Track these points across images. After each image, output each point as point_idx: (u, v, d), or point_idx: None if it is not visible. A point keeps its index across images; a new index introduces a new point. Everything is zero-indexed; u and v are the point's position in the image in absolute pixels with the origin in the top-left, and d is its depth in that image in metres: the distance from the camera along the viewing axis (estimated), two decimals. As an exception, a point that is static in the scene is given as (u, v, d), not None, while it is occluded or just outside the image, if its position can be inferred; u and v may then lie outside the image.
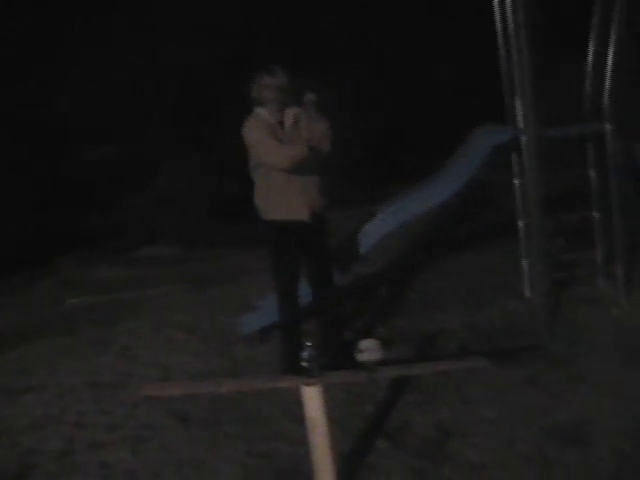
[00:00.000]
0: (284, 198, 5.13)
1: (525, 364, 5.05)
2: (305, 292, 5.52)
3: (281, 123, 5.16)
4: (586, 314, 5.76)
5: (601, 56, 5.65)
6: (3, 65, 11.87)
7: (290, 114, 5.16)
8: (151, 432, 4.86)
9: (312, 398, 3.69)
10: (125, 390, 5.65)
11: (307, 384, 3.67)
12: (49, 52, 12.09)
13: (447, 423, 4.40)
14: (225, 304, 7.52)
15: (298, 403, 3.94)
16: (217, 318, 7.08)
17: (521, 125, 5.59)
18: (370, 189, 12.05)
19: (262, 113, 5.16)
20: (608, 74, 5.59)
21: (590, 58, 5.74)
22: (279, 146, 5.04)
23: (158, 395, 3.82)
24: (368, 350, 5.50)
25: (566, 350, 5.22)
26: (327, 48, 12.89)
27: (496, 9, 5.83)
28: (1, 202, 11.77)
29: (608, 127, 5.67)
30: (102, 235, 12.42)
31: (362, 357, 5.42)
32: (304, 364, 3.68)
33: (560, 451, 3.95)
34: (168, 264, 10.62)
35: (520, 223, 6.22)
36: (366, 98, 13.26)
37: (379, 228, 5.81)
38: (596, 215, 6.04)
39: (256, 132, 5.10)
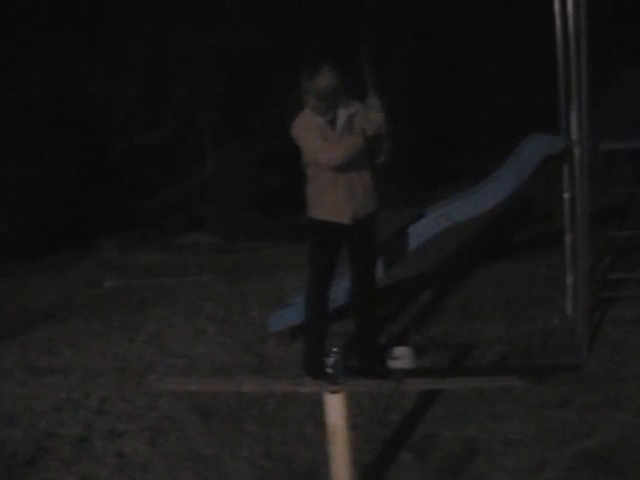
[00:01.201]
0: (330, 200, 4.94)
1: (561, 384, 4.85)
2: (343, 291, 5.40)
3: (332, 122, 4.90)
4: (630, 336, 5.54)
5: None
6: (51, 46, 11.91)
7: (343, 114, 4.91)
8: (171, 425, 4.78)
9: (334, 405, 3.54)
10: (152, 378, 5.57)
11: (330, 391, 3.52)
12: (97, 36, 12.12)
13: (475, 440, 4.23)
14: (259, 298, 7.44)
15: (322, 406, 3.81)
16: (250, 312, 6.99)
17: (574, 136, 5.38)
18: (415, 191, 11.89)
19: (311, 113, 4.93)
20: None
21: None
22: (328, 146, 4.82)
23: (178, 389, 3.68)
24: (401, 357, 5.38)
25: (605, 373, 5.00)
26: (377, 44, 12.71)
27: (557, 13, 5.62)
28: (47, 182, 11.80)
29: (666, 143, 5.46)
30: (145, 220, 12.39)
31: (394, 364, 5.30)
32: (328, 370, 3.54)
33: (591, 480, 3.76)
34: (208, 253, 10.56)
35: (567, 237, 6.01)
36: (415, 98, 13.07)
37: (422, 232, 5.65)
38: (647, 234, 5.82)
39: (304, 133, 4.89)
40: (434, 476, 3.91)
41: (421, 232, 5.61)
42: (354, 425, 4.13)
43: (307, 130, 4.89)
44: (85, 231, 11.48)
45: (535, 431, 4.28)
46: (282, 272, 8.44)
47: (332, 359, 3.51)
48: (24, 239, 11.10)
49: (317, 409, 4.49)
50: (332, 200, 4.94)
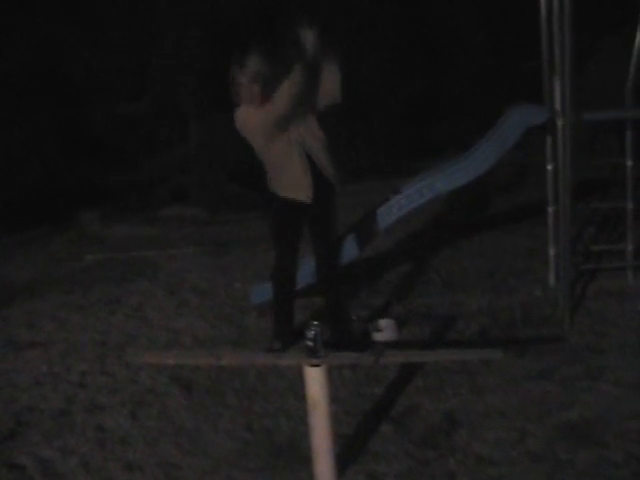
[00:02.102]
0: (288, 176, 4.83)
1: (543, 356, 4.85)
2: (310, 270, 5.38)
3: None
4: (612, 308, 5.54)
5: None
6: (31, 14, 11.74)
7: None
8: (152, 398, 4.75)
9: (315, 378, 3.52)
10: (131, 352, 5.55)
11: (310, 364, 3.50)
12: (77, 4, 11.97)
13: (456, 412, 4.22)
14: (242, 271, 7.41)
15: (303, 379, 3.79)
16: (232, 285, 6.96)
17: (558, 106, 5.34)
18: (400, 162, 11.84)
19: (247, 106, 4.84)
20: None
21: (637, 40, 5.48)
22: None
23: (158, 362, 3.61)
24: (383, 329, 5.39)
25: (588, 344, 5.00)
26: (365, 15, 12.62)
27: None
28: (27, 154, 11.66)
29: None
30: (127, 192, 12.31)
31: (377, 336, 5.30)
32: (309, 343, 3.51)
33: (572, 452, 3.75)
34: (190, 225, 10.50)
35: (550, 209, 5.99)
36: (400, 69, 12.99)
37: (404, 204, 5.62)
38: (630, 206, 5.80)
39: (239, 112, 4.85)
40: (415, 448, 3.90)
41: (404, 204, 5.58)
42: (335, 397, 4.15)
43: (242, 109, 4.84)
44: (66, 204, 11.37)
45: (516, 403, 4.28)
46: (265, 245, 8.36)
47: (312, 332, 3.48)
48: (3, 213, 10.97)
49: (298, 381, 4.49)
50: (290, 176, 4.84)
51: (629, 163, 5.73)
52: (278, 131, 4.73)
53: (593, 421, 4.03)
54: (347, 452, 3.88)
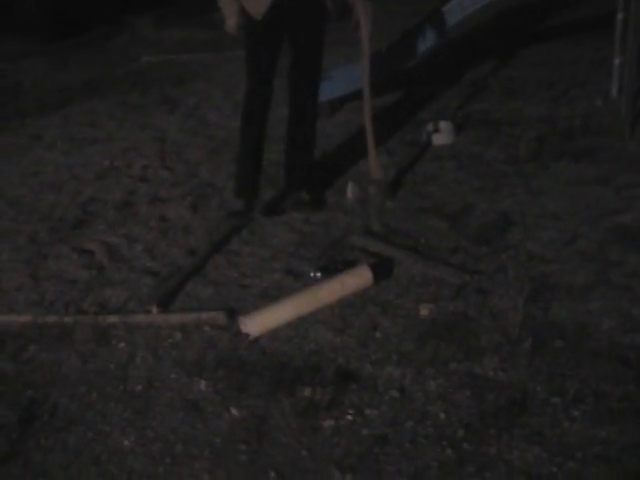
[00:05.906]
0: None
1: (601, 163, 4.82)
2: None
3: None
4: (674, 118, 5.44)
5: None
6: None
7: None
8: (211, 191, 4.90)
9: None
10: (190, 149, 5.66)
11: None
12: None
13: (511, 212, 4.26)
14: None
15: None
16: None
17: None
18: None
19: None
20: None
21: None
22: None
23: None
24: (441, 131, 5.41)
25: (646, 154, 4.95)
26: None
27: None
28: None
29: None
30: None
31: (435, 138, 5.34)
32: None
33: (622, 254, 3.79)
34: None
35: (619, 16, 5.78)
36: None
37: (466, 5, 5.48)
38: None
39: None
40: (468, 243, 3.98)
41: (467, 4, 5.43)
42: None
43: None
44: (119, 7, 11.18)
45: (570, 206, 4.30)
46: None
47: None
48: (56, 17, 10.82)
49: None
50: None
51: None
52: None
53: (645, 226, 4.05)
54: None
